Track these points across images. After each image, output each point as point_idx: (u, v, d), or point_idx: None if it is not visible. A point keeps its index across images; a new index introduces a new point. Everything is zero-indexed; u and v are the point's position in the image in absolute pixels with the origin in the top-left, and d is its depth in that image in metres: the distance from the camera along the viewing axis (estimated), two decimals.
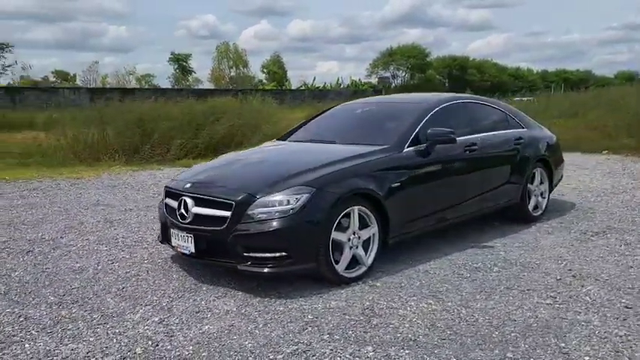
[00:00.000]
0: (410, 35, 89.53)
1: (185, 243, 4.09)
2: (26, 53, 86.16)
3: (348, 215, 4.09)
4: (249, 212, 3.83)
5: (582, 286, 4.02)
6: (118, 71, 41.33)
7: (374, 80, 44.52)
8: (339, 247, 4.06)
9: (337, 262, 4.02)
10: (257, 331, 3.32)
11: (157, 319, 3.51)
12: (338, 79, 43.31)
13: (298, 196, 3.85)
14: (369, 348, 3.10)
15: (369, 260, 4.23)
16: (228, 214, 3.87)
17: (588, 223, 5.90)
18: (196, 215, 4.04)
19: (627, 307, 3.63)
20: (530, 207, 5.92)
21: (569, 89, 32.41)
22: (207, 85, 44.52)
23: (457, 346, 3.13)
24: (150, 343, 3.17)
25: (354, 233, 4.11)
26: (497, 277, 4.25)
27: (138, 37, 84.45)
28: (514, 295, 3.88)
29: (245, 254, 3.83)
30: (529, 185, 5.88)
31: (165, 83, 48.53)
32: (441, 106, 5.14)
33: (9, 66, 34.90)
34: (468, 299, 3.80)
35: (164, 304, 3.75)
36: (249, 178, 4.17)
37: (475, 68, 48.04)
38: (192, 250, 4.05)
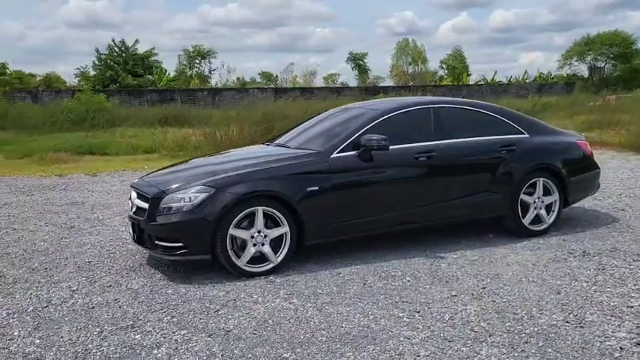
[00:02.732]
0: (634, 19, 78.20)
1: (130, 230, 4.89)
2: (246, 56, 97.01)
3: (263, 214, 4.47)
4: (160, 206, 4.46)
5: (464, 305, 3.81)
6: (305, 71, 44.40)
7: (566, 73, 40.60)
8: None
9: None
10: (117, 307, 3.92)
11: (75, 287, 4.36)
12: (525, 73, 40.59)
13: (197, 195, 4.36)
14: (183, 332, 3.51)
15: (279, 258, 4.53)
16: (147, 206, 4.56)
17: (596, 242, 5.24)
18: (137, 207, 4.80)
19: (475, 331, 3.42)
20: (527, 221, 5.44)
21: None
22: (389, 82, 45.57)
23: (256, 340, 3.37)
24: (44, 305, 4.01)
25: (258, 232, 4.46)
26: (393, 287, 4.22)
27: (340, 37, 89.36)
28: (380, 305, 3.87)
29: (156, 242, 4.47)
30: (524, 197, 5.41)
31: (354, 82, 50.61)
32: (392, 114, 5.12)
33: (214, 70, 40.24)
34: (332, 303, 3.92)
35: (96, 278, 4.58)
36: (173, 177, 4.78)
37: None
38: (133, 237, 4.83)
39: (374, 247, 5.14)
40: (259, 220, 4.46)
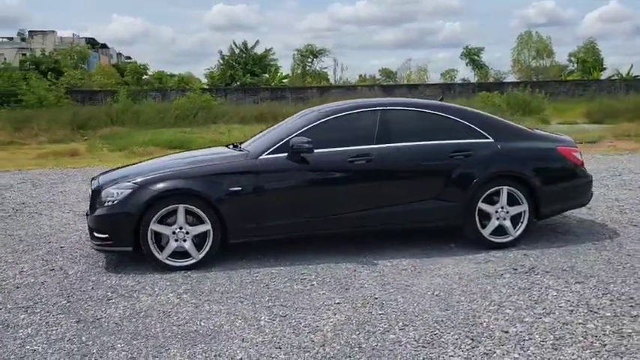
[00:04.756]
0: None
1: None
2: (373, 54, 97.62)
3: (189, 212, 4.69)
4: (98, 200, 4.84)
5: (334, 314, 3.70)
6: (419, 68, 43.57)
7: None
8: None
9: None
10: (37, 289, 4.35)
11: (26, 269, 4.88)
12: None
13: (122, 191, 4.67)
14: (61, 316, 3.83)
15: (201, 255, 4.70)
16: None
17: (559, 259, 4.73)
18: None
19: (313, 341, 3.34)
20: (487, 231, 5.04)
21: None
22: (512, 77, 43.03)
23: (110, 330, 3.59)
24: None
25: (180, 228, 4.67)
26: (290, 290, 4.20)
27: (470, 31, 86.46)
28: (256, 306, 3.89)
29: (93, 234, 4.87)
30: (483, 206, 5.01)
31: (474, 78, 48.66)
32: (334, 116, 5.05)
33: (325, 68, 41.29)
34: (215, 302, 4.01)
35: (50, 262, 5.06)
36: (119, 174, 5.12)
37: None
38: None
39: (322, 248, 5.08)
40: (180, 217, 4.66)
